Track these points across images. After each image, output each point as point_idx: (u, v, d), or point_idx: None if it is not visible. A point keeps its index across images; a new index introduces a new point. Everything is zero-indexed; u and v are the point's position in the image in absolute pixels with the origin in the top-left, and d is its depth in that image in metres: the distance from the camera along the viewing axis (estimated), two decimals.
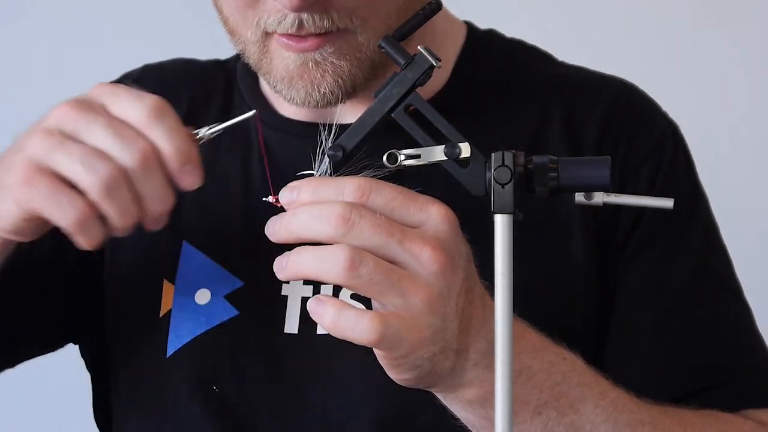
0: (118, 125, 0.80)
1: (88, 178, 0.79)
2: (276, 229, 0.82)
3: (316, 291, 0.98)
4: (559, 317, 0.97)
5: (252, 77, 1.08)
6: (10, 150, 0.84)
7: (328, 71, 0.92)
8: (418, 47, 0.83)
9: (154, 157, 0.80)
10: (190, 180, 0.82)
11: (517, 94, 1.05)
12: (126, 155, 0.80)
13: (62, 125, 0.81)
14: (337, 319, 0.79)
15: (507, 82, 1.05)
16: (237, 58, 1.11)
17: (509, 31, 1.11)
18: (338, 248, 0.78)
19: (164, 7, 1.94)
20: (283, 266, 0.81)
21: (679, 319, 1.00)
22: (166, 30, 1.88)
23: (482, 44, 1.07)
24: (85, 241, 0.81)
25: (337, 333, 0.79)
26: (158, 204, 0.82)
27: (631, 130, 1.04)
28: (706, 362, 1.00)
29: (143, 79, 1.12)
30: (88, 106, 0.82)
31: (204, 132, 0.84)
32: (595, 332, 1.00)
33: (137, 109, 0.81)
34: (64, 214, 0.80)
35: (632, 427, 0.89)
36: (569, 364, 0.88)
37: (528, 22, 1.84)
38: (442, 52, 0.89)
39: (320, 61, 0.92)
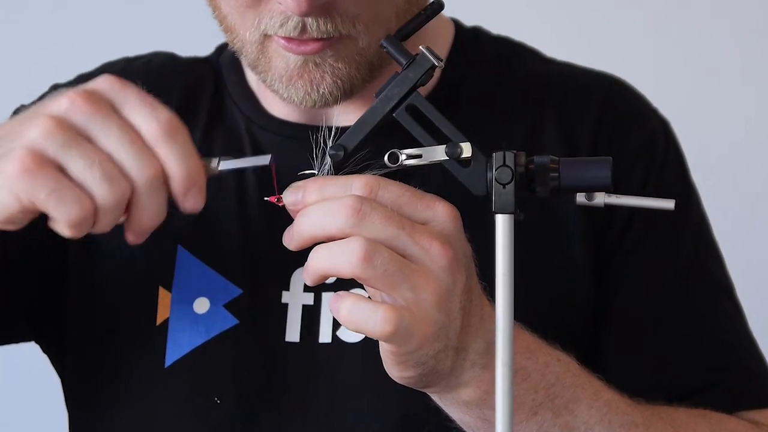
0: (134, 136, 0.78)
1: (103, 189, 0.76)
2: (291, 236, 0.81)
3: (317, 298, 0.97)
4: (556, 316, 0.98)
5: (238, 75, 1.07)
6: (1, 135, 0.79)
7: (327, 72, 0.92)
8: (420, 47, 0.83)
9: (162, 176, 0.78)
10: (193, 203, 0.80)
11: (509, 96, 1.05)
12: (139, 172, 0.77)
13: (72, 117, 0.77)
14: (351, 311, 0.78)
15: (498, 82, 1.05)
16: (218, 54, 1.10)
17: (512, 30, 1.11)
18: (353, 240, 0.78)
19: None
20: (305, 271, 0.81)
21: (673, 320, 1.01)
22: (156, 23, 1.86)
23: (470, 43, 1.08)
24: (72, 234, 0.78)
25: (352, 325, 0.79)
26: (151, 220, 0.80)
27: (623, 129, 1.04)
28: (700, 363, 1.00)
29: (127, 74, 1.09)
30: (101, 102, 0.78)
31: (214, 165, 0.82)
32: (590, 332, 1.01)
33: (152, 122, 0.78)
34: (66, 212, 0.76)
35: (625, 428, 0.90)
36: (563, 366, 0.89)
37: (536, 21, 1.85)
38: None
39: (320, 62, 0.92)
